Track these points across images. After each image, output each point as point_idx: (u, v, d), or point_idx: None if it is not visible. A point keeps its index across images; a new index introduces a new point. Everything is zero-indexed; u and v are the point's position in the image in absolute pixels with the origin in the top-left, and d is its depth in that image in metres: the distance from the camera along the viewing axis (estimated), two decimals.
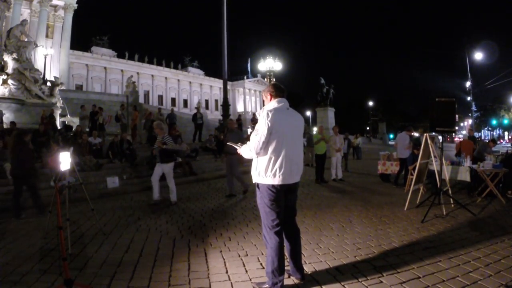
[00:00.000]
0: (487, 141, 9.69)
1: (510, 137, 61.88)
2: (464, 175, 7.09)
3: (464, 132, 49.87)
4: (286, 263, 3.05)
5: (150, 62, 52.20)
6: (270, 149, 2.74)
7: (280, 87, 2.96)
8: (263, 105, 3.02)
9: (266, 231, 2.85)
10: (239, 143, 3.11)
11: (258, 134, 2.73)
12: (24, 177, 5.89)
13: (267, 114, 2.74)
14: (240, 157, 3.06)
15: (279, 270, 2.76)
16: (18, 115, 12.42)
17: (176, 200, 6.77)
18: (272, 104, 2.87)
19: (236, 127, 7.45)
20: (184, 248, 4.00)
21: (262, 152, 2.76)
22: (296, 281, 3.00)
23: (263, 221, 2.89)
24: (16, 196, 5.82)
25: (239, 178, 7.56)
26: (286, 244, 2.95)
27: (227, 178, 7.67)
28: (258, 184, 2.86)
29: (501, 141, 52.07)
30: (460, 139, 13.90)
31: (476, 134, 49.21)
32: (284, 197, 2.85)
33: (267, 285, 2.82)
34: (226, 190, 7.76)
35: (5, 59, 12.73)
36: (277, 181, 2.75)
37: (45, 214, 5.15)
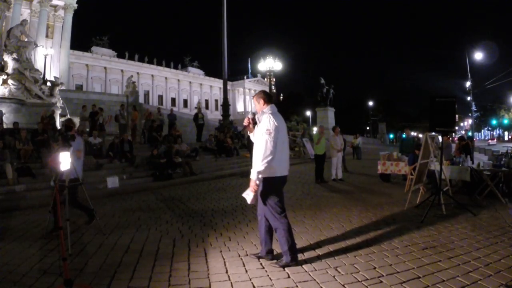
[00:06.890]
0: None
1: (510, 137, 61.90)
2: (464, 175, 7.09)
3: (462, 132, 50.35)
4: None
5: (150, 62, 52.19)
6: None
7: (270, 94, 3.56)
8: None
9: (275, 217, 3.30)
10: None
11: (272, 133, 3.18)
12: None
13: (271, 116, 3.25)
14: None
15: (294, 246, 3.30)
16: (18, 115, 12.38)
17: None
18: (270, 108, 3.39)
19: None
20: (184, 248, 4.01)
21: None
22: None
23: (270, 210, 3.31)
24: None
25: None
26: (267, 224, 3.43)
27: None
28: (263, 178, 3.26)
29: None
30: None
31: (476, 134, 49.27)
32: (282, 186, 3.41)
33: (284, 261, 3.28)
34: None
35: (5, 59, 12.69)
36: (280, 173, 3.33)
37: None
